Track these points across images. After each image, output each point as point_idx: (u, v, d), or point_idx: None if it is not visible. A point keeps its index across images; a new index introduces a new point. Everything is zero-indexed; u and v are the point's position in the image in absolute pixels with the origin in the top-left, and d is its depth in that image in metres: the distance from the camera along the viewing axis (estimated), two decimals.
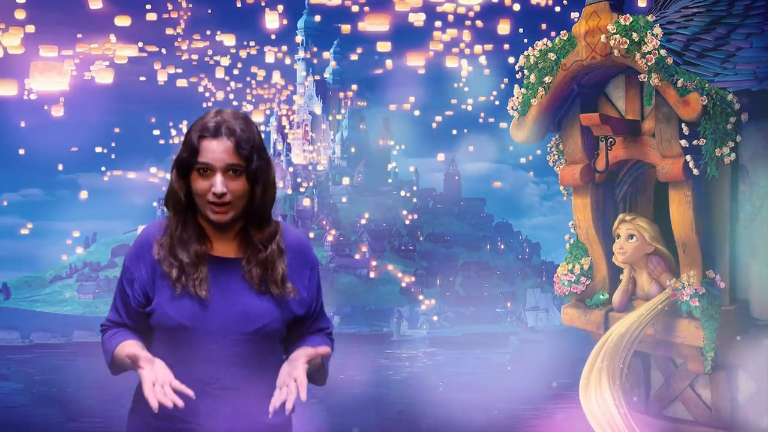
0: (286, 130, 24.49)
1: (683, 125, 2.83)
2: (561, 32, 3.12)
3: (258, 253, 1.79)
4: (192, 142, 1.75)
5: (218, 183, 1.73)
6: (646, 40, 2.82)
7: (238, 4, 17.15)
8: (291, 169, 24.03)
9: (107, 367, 1.87)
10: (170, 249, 1.78)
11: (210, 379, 1.74)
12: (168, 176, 1.88)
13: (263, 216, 1.81)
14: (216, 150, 1.73)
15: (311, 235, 21.13)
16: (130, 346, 1.78)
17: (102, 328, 1.90)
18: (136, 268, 1.80)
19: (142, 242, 1.82)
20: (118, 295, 1.83)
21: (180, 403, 1.65)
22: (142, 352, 1.75)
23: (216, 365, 1.75)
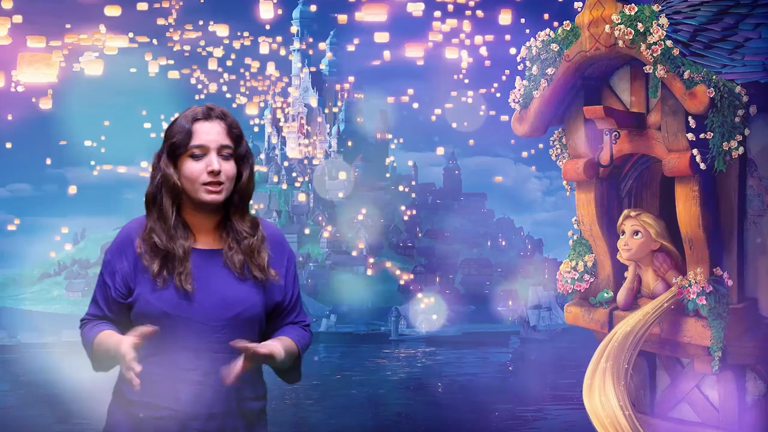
0: (280, 124, 24.31)
1: (690, 118, 2.76)
2: (564, 22, 3.05)
3: (241, 240, 1.86)
4: (184, 127, 1.83)
5: (214, 161, 1.81)
6: (651, 30, 2.76)
7: None
8: (286, 164, 23.87)
9: (90, 361, 1.89)
10: (154, 244, 1.81)
11: (191, 366, 1.79)
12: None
13: (246, 202, 1.88)
14: (210, 131, 1.83)
15: (307, 231, 20.98)
16: (110, 336, 1.80)
17: (82, 322, 1.91)
18: (118, 260, 1.84)
19: (123, 238, 1.87)
20: (98, 289, 1.87)
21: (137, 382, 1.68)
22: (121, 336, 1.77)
23: (197, 352, 1.80)
